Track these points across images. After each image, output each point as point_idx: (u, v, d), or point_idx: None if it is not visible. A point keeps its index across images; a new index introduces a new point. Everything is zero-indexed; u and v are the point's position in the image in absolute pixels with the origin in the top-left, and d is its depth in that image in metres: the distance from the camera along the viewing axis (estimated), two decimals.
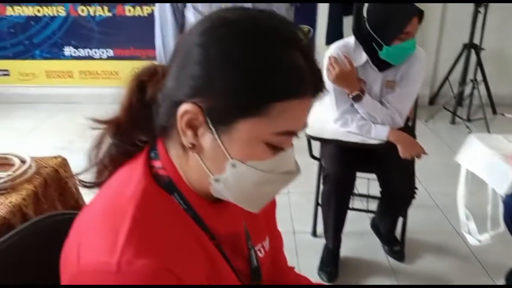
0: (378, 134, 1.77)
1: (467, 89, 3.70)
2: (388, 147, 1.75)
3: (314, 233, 2.23)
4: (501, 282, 1.92)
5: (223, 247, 0.65)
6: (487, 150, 1.58)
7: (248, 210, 0.64)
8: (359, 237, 2.25)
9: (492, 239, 1.62)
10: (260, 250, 0.75)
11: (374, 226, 2.19)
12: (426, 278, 1.99)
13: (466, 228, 1.67)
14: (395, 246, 2.10)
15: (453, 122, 3.75)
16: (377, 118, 1.78)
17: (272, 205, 0.83)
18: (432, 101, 4.11)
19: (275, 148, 0.60)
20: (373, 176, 2.05)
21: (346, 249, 2.12)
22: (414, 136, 1.97)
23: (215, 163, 0.60)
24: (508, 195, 1.66)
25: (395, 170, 1.85)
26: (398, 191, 1.87)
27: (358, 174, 2.24)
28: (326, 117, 1.88)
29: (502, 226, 1.60)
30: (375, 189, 2.09)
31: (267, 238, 0.78)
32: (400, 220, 2.12)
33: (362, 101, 1.76)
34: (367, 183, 2.24)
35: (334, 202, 1.84)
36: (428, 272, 2.03)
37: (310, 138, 1.88)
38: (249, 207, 0.64)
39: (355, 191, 2.32)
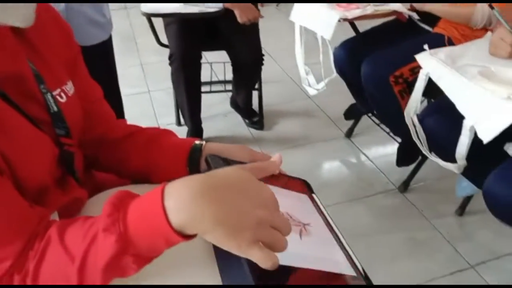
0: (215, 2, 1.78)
1: None
2: (226, 15, 1.77)
3: (178, 122, 2.26)
4: (335, 128, 2.18)
5: (5, 91, 0.60)
6: (314, 5, 1.68)
7: (17, 25, 0.60)
8: (222, 118, 2.34)
9: (327, 85, 1.79)
10: (60, 95, 0.71)
11: (234, 103, 2.28)
12: (284, 140, 2.17)
13: (306, 82, 1.81)
14: (254, 117, 2.23)
15: None
16: None
17: (71, 50, 0.78)
18: None
19: None
20: (229, 60, 2.09)
21: (211, 131, 2.21)
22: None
23: None
24: (336, 47, 1.83)
25: (240, 42, 1.91)
26: (246, 60, 1.95)
27: (215, 59, 2.30)
28: None
29: (334, 72, 1.77)
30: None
31: (69, 83, 0.74)
32: (257, 94, 2.24)
33: None
34: (223, 69, 2.29)
35: (183, 81, 1.86)
36: (285, 135, 2.21)
37: (148, 16, 1.81)
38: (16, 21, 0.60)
39: (215, 78, 2.37)
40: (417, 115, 1.39)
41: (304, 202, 0.74)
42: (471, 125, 1.14)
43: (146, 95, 2.56)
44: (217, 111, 2.38)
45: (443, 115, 1.32)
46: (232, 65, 2.05)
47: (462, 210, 1.71)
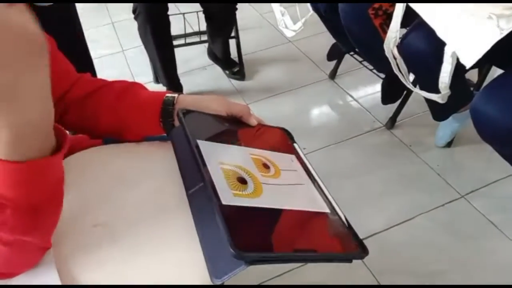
0: None
1: None
2: None
3: (157, 80, 2.18)
4: (318, 71, 2.13)
5: None
6: None
7: None
8: (201, 72, 2.27)
9: (307, 28, 1.72)
10: None
11: (211, 54, 2.20)
12: (267, 88, 2.11)
13: (283, 23, 1.73)
14: (234, 68, 2.16)
15: None
16: None
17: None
18: None
19: None
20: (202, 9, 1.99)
21: (191, 86, 2.14)
22: None
23: None
24: None
25: None
26: (218, 7, 1.87)
27: (187, 10, 2.19)
28: None
29: (310, 11, 1.69)
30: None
31: None
32: (234, 43, 2.16)
33: None
34: (197, 19, 2.19)
35: (151, 36, 1.78)
36: (269, 83, 2.15)
37: None
38: None
39: (190, 30, 2.27)
40: (397, 47, 1.34)
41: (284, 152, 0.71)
42: (452, 51, 1.09)
43: (120, 55, 2.47)
44: (195, 64, 2.31)
45: (423, 44, 1.27)
46: (204, 13, 1.95)
47: (450, 142, 1.69)
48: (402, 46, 1.31)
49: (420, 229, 1.41)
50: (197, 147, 0.59)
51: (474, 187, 1.53)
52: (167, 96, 0.72)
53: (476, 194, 1.51)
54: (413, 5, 1.19)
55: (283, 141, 0.73)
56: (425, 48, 1.25)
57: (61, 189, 0.50)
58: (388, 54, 1.35)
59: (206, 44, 2.23)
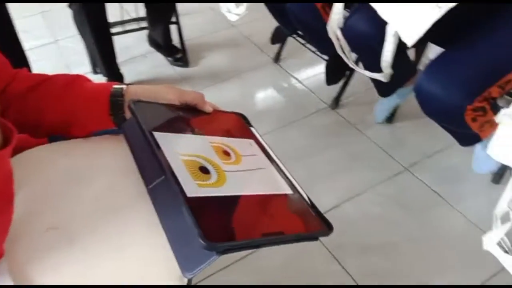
0: None
1: None
2: None
3: (95, 70, 2.08)
4: (263, 55, 2.13)
5: None
6: None
7: None
8: (142, 60, 2.20)
9: (249, 12, 1.70)
10: None
11: (152, 41, 2.13)
12: (213, 74, 2.09)
13: (226, 8, 1.71)
14: (177, 54, 2.11)
15: None
16: None
17: None
18: None
19: None
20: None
21: (132, 75, 2.07)
22: None
23: None
24: None
25: None
26: None
27: None
28: None
29: None
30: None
31: None
32: (176, 29, 2.10)
33: None
34: (135, 5, 2.10)
35: (87, 24, 1.69)
36: (213, 69, 2.13)
37: None
38: None
39: (127, 16, 2.18)
40: (340, 29, 1.37)
41: (242, 137, 0.70)
42: (394, 30, 1.13)
43: (53, 45, 2.33)
44: (135, 52, 2.23)
45: (366, 26, 1.30)
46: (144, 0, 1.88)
47: (391, 118, 1.77)
48: (345, 29, 1.33)
49: (369, 203, 1.47)
50: (154, 139, 0.57)
51: (417, 160, 1.62)
52: (115, 88, 0.69)
53: (420, 166, 1.59)
54: None
55: (240, 125, 0.73)
56: (367, 31, 1.28)
57: (12, 187, 0.47)
58: (331, 35, 1.37)
59: (146, 31, 2.15)
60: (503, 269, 1.27)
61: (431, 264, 1.31)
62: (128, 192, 0.62)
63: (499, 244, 0.87)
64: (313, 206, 0.60)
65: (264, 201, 0.57)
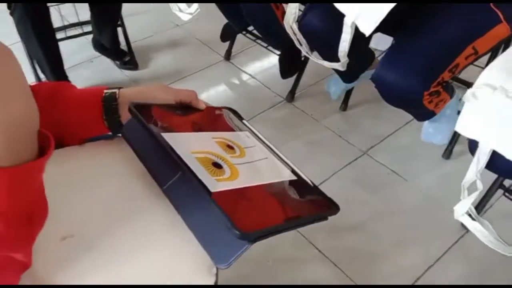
0: None
1: None
2: None
3: (38, 79, 1.98)
4: (213, 53, 2.15)
5: None
6: None
7: None
8: (88, 65, 2.12)
9: (200, 9, 1.71)
10: None
11: (98, 45, 2.06)
12: (164, 76, 2.07)
13: (176, 8, 1.70)
14: (125, 57, 2.06)
15: None
16: None
17: None
18: None
19: None
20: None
21: (80, 81, 1.99)
22: None
23: None
24: None
25: None
26: None
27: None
28: None
29: None
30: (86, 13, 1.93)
31: None
32: (121, 31, 2.05)
33: None
34: (74, 9, 2.02)
35: (32, 30, 1.61)
36: (164, 70, 2.10)
37: None
38: None
39: (66, 22, 2.09)
40: (296, 23, 1.41)
41: (239, 130, 0.72)
42: (352, 21, 1.19)
43: None
44: (80, 58, 2.15)
45: (321, 22, 1.36)
46: (88, 2, 1.82)
47: (345, 105, 1.85)
48: (300, 26, 1.38)
49: (335, 188, 1.54)
50: (164, 140, 0.58)
51: (373, 143, 1.71)
52: (107, 92, 0.68)
53: (376, 149, 1.69)
54: None
55: (234, 119, 0.75)
56: (322, 26, 1.34)
57: (45, 195, 0.46)
58: (288, 30, 1.41)
59: (88, 36, 2.08)
60: (462, 236, 1.39)
61: (398, 236, 1.40)
62: (137, 194, 0.62)
63: (467, 212, 0.96)
64: (316, 188, 0.64)
65: (277, 188, 0.60)
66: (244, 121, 0.75)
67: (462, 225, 1.39)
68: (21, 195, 0.40)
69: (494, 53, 1.45)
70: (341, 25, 1.25)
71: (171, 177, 0.57)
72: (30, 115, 0.39)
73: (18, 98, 0.37)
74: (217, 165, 0.58)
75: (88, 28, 2.04)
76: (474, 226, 0.94)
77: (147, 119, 0.61)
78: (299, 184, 0.64)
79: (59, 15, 2.04)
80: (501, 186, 1.25)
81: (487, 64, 1.49)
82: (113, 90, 0.68)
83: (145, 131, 0.59)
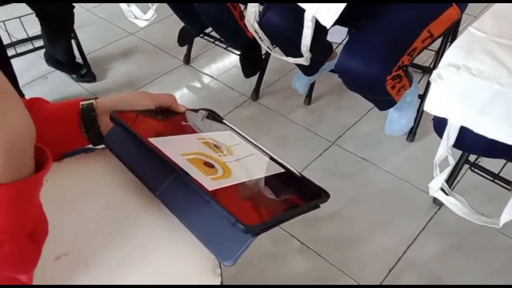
0: None
1: None
2: None
3: None
4: (171, 58, 2.13)
5: None
6: None
7: None
8: (43, 81, 2.05)
9: (156, 13, 1.69)
10: None
11: (52, 60, 1.99)
12: (124, 85, 2.02)
13: (131, 15, 1.67)
14: (82, 70, 2.00)
15: None
16: None
17: None
18: None
19: None
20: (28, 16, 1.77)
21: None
22: None
23: None
24: None
25: None
26: (54, 5, 1.70)
27: (3, 17, 1.93)
28: None
29: None
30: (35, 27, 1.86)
31: None
32: (75, 43, 1.99)
33: None
34: (21, 25, 1.94)
35: None
36: (123, 79, 2.05)
37: None
38: None
39: (14, 38, 2.00)
40: (257, 22, 1.42)
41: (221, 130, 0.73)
42: (312, 15, 1.21)
43: None
44: (34, 75, 2.06)
45: (281, 20, 1.37)
46: (38, 15, 1.75)
47: (309, 99, 1.88)
48: (261, 24, 1.40)
49: None
50: (153, 145, 0.57)
51: (340, 133, 1.75)
52: (83, 104, 0.67)
53: (343, 138, 1.73)
54: None
55: (214, 120, 0.75)
56: (283, 23, 1.35)
57: (43, 210, 0.45)
58: (250, 29, 1.42)
59: (38, 52, 2.01)
60: (436, 212, 1.45)
61: (374, 220, 1.44)
62: (129, 204, 0.61)
63: (441, 188, 1.00)
64: (304, 178, 0.65)
65: (271, 181, 0.61)
66: (224, 120, 0.76)
67: (434, 202, 1.46)
68: (23, 212, 0.39)
69: (445, 37, 1.53)
70: (301, 21, 1.26)
71: (163, 181, 0.57)
72: (29, 128, 0.37)
73: (17, 110, 0.35)
74: (209, 165, 0.58)
75: (39, 43, 1.97)
76: (448, 200, 0.99)
77: (132, 126, 0.60)
78: (288, 176, 0.65)
79: (5, 32, 1.95)
80: (467, 161, 1.32)
81: (439, 48, 1.56)
82: (90, 101, 0.67)
83: (131, 138, 0.58)
